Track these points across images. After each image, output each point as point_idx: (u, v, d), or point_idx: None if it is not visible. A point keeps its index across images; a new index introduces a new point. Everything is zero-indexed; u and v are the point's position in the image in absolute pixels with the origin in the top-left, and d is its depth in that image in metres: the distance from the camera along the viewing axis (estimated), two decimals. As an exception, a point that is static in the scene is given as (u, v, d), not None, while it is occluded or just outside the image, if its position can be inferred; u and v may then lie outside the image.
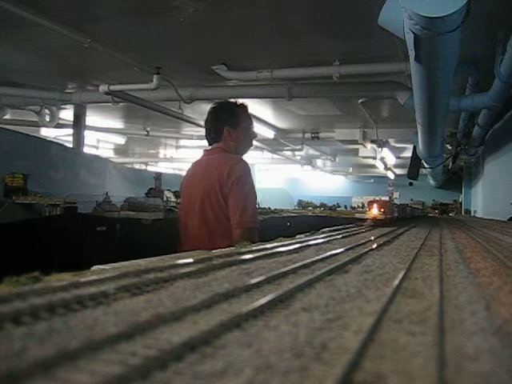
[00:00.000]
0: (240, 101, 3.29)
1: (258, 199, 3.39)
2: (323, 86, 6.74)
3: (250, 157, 17.44)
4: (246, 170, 2.93)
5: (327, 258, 1.40)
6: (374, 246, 1.77)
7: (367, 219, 2.98)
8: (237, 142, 3.11)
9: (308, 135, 11.68)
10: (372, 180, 23.19)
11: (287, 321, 0.67)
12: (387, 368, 0.49)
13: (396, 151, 13.84)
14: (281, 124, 10.85)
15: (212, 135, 3.15)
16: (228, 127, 3.08)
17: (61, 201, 6.65)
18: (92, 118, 10.63)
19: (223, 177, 2.84)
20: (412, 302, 0.81)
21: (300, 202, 16.20)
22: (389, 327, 0.65)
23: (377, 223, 2.92)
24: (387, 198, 16.24)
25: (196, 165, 3.16)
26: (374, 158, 13.27)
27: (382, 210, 2.92)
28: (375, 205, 2.95)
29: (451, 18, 2.46)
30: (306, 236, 2.20)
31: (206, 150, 3.22)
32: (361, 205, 16.89)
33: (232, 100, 3.29)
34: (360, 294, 0.88)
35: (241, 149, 3.18)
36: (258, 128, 10.13)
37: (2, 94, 8.10)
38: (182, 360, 0.50)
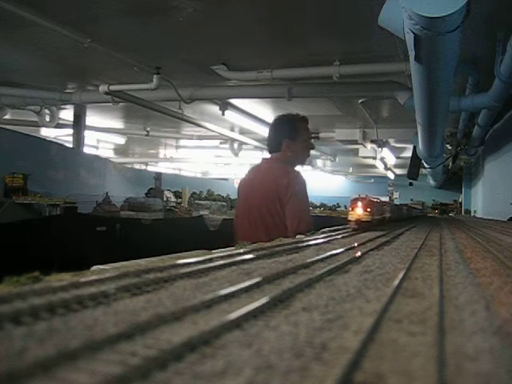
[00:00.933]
0: (301, 114, 3.48)
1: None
2: (323, 86, 6.74)
3: (250, 157, 17.38)
4: (302, 183, 3.27)
5: (327, 257, 1.40)
6: (375, 246, 1.77)
7: (349, 221, 2.54)
8: (295, 153, 3.33)
9: (308, 135, 11.66)
10: (372, 180, 23.18)
11: (287, 321, 0.67)
12: (387, 368, 0.49)
13: (396, 151, 13.84)
14: (281, 124, 10.84)
15: (272, 145, 3.41)
16: (287, 139, 3.30)
17: (61, 201, 6.66)
18: (92, 118, 10.62)
19: (282, 188, 3.12)
20: (412, 302, 0.81)
21: (300, 202, 16.13)
22: (389, 327, 0.65)
23: (361, 226, 2.50)
24: (387, 198, 16.22)
25: (255, 171, 3.47)
26: (374, 158, 13.27)
27: (368, 209, 2.49)
28: (359, 204, 2.51)
29: (451, 18, 2.46)
30: (306, 236, 2.21)
31: (264, 159, 3.57)
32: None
33: (294, 113, 3.48)
34: (360, 293, 0.89)
35: (299, 160, 3.43)
36: (258, 128, 10.14)
37: (2, 94, 8.10)
38: (182, 360, 0.50)
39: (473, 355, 0.54)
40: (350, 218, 2.55)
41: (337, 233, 2.34)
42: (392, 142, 12.46)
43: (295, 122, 3.41)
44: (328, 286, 0.95)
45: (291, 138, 3.31)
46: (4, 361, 0.45)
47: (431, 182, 17.97)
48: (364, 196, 2.71)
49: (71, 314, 0.66)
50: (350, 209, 2.55)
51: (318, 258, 1.34)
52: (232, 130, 11.39)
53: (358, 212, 2.49)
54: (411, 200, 20.27)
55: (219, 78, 6.63)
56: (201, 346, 0.55)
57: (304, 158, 3.49)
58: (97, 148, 15.02)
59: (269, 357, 0.51)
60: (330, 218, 9.37)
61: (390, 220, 3.67)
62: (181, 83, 7.00)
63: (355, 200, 2.56)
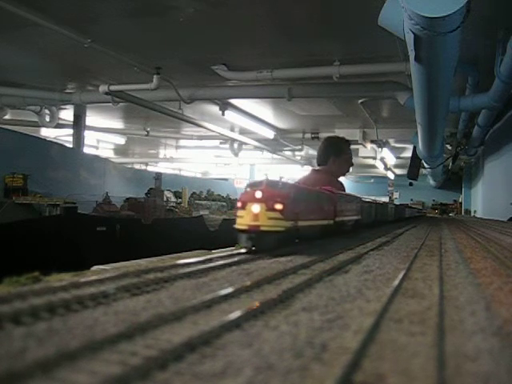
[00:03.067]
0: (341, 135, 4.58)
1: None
2: (323, 86, 6.73)
3: (250, 157, 17.23)
4: (342, 189, 3.86)
5: (327, 258, 1.40)
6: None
7: (238, 231, 1.41)
8: (338, 166, 4.23)
9: (308, 135, 11.68)
10: (372, 180, 23.20)
11: (287, 321, 0.67)
12: (387, 368, 0.49)
13: (396, 151, 13.84)
14: (281, 124, 10.85)
15: (321, 159, 4.29)
16: (333, 156, 4.21)
17: (61, 201, 6.66)
18: (92, 118, 10.62)
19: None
20: (412, 303, 0.81)
21: (300, 202, 16.10)
22: (389, 327, 0.65)
23: (264, 243, 1.35)
24: (387, 198, 16.16)
25: (307, 177, 4.15)
26: (374, 158, 13.26)
27: (279, 206, 1.33)
28: (258, 195, 1.35)
29: (451, 18, 2.46)
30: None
31: (314, 169, 4.46)
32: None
33: (340, 136, 4.60)
34: (360, 294, 0.89)
35: (340, 172, 4.31)
36: (258, 128, 10.15)
37: (2, 94, 8.09)
38: (182, 360, 0.50)
39: (473, 355, 0.54)
40: (237, 226, 1.39)
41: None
42: (392, 142, 12.45)
43: (341, 143, 4.40)
44: (328, 287, 0.95)
45: (336, 155, 4.20)
46: (4, 361, 0.45)
47: (431, 182, 17.98)
48: (272, 180, 1.44)
49: (71, 314, 0.66)
50: (240, 205, 1.39)
51: (317, 257, 1.34)
52: (232, 130, 11.39)
53: (254, 211, 1.32)
54: (411, 200, 20.31)
55: (219, 78, 6.63)
56: (201, 346, 0.55)
57: (345, 171, 4.39)
58: (97, 148, 15.02)
59: (269, 357, 0.51)
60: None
61: (359, 225, 2.68)
62: (181, 83, 7.00)
63: (253, 187, 1.40)
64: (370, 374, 0.48)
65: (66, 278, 0.88)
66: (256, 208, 1.32)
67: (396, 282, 0.97)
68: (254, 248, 1.37)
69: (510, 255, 1.56)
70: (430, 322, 0.68)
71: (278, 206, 1.32)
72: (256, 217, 1.31)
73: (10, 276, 0.80)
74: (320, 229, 1.78)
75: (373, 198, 5.13)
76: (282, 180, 1.50)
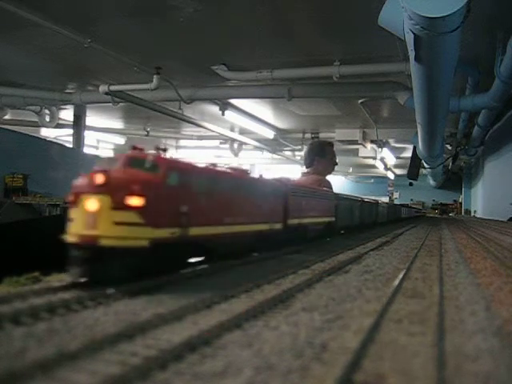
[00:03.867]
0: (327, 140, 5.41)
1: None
2: (323, 86, 6.73)
3: (250, 157, 17.25)
4: (329, 186, 4.45)
5: (327, 258, 1.40)
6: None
7: (73, 245, 0.92)
8: (323, 167, 4.87)
9: (308, 135, 11.67)
10: (372, 180, 23.17)
11: (287, 321, 0.67)
12: (387, 368, 0.49)
13: (396, 151, 13.83)
14: (281, 124, 10.84)
15: (308, 161, 4.99)
16: (318, 157, 4.86)
17: (61, 201, 6.66)
18: (92, 118, 10.61)
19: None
20: (412, 303, 0.81)
21: (300, 202, 16.09)
22: (389, 327, 0.65)
23: (107, 270, 0.82)
24: (387, 199, 16.15)
25: (299, 180, 4.53)
26: (374, 158, 13.25)
27: (138, 201, 0.86)
28: (99, 180, 0.87)
29: (451, 18, 2.46)
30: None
31: (303, 172, 5.06)
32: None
33: (323, 140, 5.52)
34: (360, 294, 0.89)
35: (326, 172, 4.92)
36: (258, 128, 10.15)
37: (2, 94, 8.09)
38: (182, 360, 0.50)
39: (473, 355, 0.54)
40: (69, 238, 0.92)
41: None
42: (392, 142, 12.45)
43: (324, 145, 4.99)
44: (328, 287, 0.95)
45: (320, 156, 4.76)
46: (4, 361, 0.45)
47: (431, 182, 17.98)
48: (139, 154, 0.95)
49: (71, 314, 0.66)
50: (71, 199, 0.94)
51: (317, 257, 1.33)
52: (232, 130, 11.38)
53: (90, 209, 0.84)
54: (411, 200, 20.32)
55: (219, 78, 6.62)
56: (201, 345, 0.55)
57: (330, 171, 4.94)
58: (97, 148, 15.00)
59: (269, 357, 0.51)
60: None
61: (332, 230, 1.99)
62: (181, 83, 6.99)
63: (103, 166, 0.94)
64: (370, 373, 0.48)
65: (66, 278, 0.88)
66: (92, 204, 0.74)
67: (396, 282, 0.97)
68: (86, 279, 0.76)
69: (509, 255, 1.57)
70: (430, 322, 0.68)
71: (134, 201, 0.75)
72: (93, 220, 0.73)
73: (10, 276, 0.80)
74: (253, 238, 1.09)
75: (373, 197, 5.19)
76: (160, 153, 0.82)
